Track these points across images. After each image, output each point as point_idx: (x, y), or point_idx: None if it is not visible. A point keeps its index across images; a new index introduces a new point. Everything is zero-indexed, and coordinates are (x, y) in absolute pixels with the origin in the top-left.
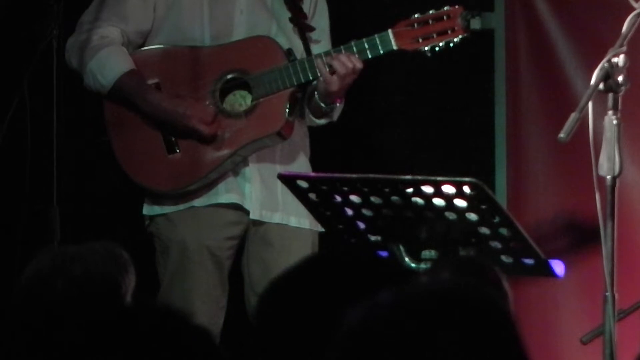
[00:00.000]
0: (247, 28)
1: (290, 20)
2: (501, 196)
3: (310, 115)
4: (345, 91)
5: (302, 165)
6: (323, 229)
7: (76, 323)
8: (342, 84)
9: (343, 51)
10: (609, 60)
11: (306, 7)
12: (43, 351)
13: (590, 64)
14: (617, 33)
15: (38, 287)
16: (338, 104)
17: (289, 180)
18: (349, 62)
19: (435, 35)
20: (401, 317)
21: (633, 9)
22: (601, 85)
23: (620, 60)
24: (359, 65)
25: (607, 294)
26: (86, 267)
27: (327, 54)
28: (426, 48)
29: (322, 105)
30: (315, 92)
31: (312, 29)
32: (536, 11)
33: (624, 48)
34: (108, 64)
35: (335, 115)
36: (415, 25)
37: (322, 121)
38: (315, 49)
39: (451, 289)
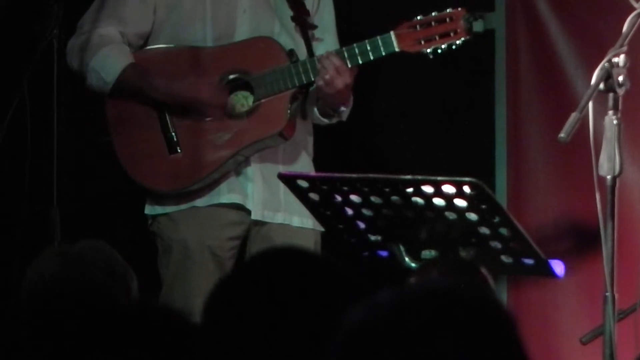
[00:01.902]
0: (249, 27)
1: (292, 18)
2: (501, 196)
3: (319, 116)
4: (347, 93)
5: (304, 165)
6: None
7: (80, 324)
8: (334, 89)
9: (345, 53)
10: (609, 60)
11: (309, 3)
12: (48, 352)
13: (591, 64)
14: (618, 33)
15: (44, 290)
16: (344, 108)
17: (289, 180)
18: (336, 60)
19: (437, 38)
20: (401, 316)
21: (634, 8)
22: (601, 85)
23: (620, 60)
24: (337, 62)
25: (607, 294)
26: (91, 268)
27: (318, 58)
28: (428, 50)
29: (331, 111)
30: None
31: (313, 27)
32: (537, 11)
33: (625, 48)
34: (110, 60)
35: (344, 115)
36: (418, 27)
37: (330, 121)
38: (319, 47)
39: (451, 289)
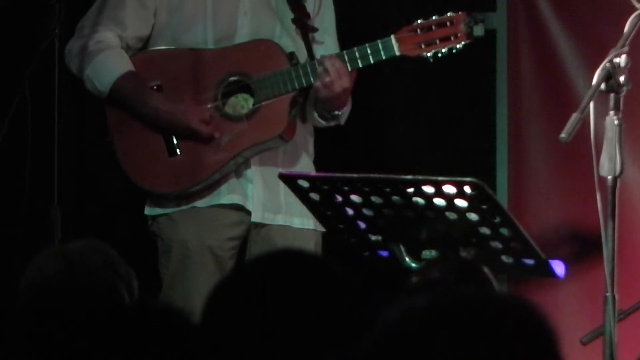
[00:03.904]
0: (250, 29)
1: (293, 21)
2: (502, 196)
3: (318, 119)
4: (345, 98)
5: (305, 167)
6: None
7: (80, 323)
8: (332, 92)
9: (346, 56)
10: (610, 61)
11: (310, 5)
12: (48, 352)
13: (592, 64)
14: (619, 33)
15: (46, 288)
16: (342, 111)
17: (289, 180)
18: (338, 63)
19: (438, 42)
20: (435, 322)
21: (635, 9)
22: (603, 86)
23: (621, 60)
24: (338, 65)
25: (607, 294)
26: (94, 267)
27: (320, 59)
28: (429, 54)
29: (326, 113)
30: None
31: (314, 30)
32: (538, 11)
33: (626, 48)
34: (104, 69)
35: (343, 119)
36: (418, 31)
37: (329, 124)
38: (319, 50)
39: (487, 298)
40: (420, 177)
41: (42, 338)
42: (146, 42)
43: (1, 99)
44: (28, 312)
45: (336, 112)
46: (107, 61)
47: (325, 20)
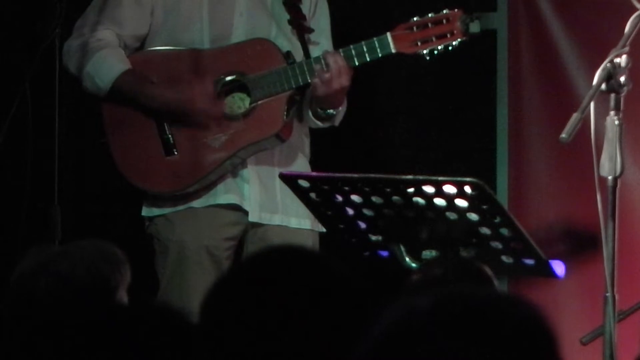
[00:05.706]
0: (246, 30)
1: (289, 22)
2: (502, 196)
3: (313, 118)
4: (341, 97)
5: (300, 167)
6: (324, 230)
7: (68, 322)
8: (330, 89)
9: (342, 54)
10: (611, 61)
11: (305, 8)
12: (33, 350)
13: (593, 64)
14: (620, 33)
15: (24, 286)
16: (337, 111)
17: (290, 180)
18: (341, 60)
19: (434, 39)
20: (436, 325)
21: (636, 9)
22: (603, 86)
23: (622, 60)
24: (341, 62)
25: (607, 294)
26: (71, 263)
27: (323, 54)
28: (425, 51)
29: (320, 110)
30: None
31: (310, 30)
32: (539, 11)
33: (627, 48)
34: (105, 65)
35: (337, 120)
36: (414, 28)
37: (323, 124)
38: (315, 51)
39: (491, 300)
40: (421, 177)
41: (40, 338)
42: (143, 41)
43: (1, 99)
44: (14, 314)
45: (331, 111)
46: (109, 58)
47: (320, 23)
